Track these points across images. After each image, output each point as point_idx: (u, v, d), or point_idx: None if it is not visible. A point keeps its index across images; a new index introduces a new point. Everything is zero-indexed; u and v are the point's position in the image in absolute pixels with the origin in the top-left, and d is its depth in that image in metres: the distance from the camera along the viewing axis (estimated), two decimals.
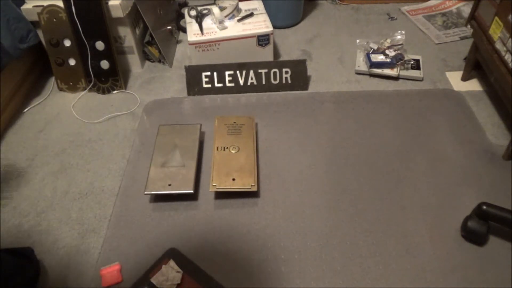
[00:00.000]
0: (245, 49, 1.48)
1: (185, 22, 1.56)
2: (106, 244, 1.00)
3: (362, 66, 1.52)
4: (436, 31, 1.73)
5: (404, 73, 1.48)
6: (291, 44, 1.70)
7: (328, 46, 1.68)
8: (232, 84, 1.44)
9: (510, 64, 1.11)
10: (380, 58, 1.50)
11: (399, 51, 1.51)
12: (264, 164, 1.18)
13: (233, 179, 1.07)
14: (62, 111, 1.40)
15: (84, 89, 1.48)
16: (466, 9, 1.83)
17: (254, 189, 1.06)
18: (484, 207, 0.94)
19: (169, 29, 1.68)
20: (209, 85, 1.44)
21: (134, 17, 1.52)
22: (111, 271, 0.93)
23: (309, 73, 1.47)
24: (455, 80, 1.48)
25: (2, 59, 1.27)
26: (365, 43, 1.57)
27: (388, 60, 1.48)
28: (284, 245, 0.98)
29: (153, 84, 1.53)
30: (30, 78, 1.51)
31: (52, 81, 1.53)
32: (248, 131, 1.21)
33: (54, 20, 1.37)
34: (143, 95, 1.47)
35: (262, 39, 1.48)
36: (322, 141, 1.25)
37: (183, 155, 1.13)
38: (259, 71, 1.43)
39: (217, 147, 1.15)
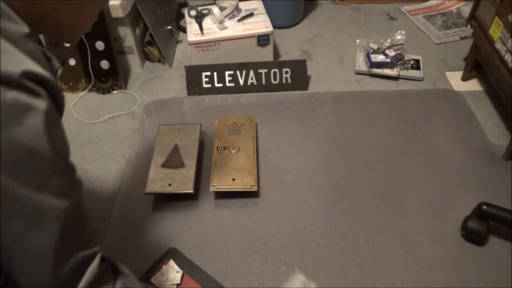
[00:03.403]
0: (245, 49, 1.48)
1: (185, 22, 1.56)
2: (106, 244, 1.00)
3: (362, 66, 1.52)
4: (436, 31, 1.74)
5: (404, 73, 1.48)
6: (291, 44, 1.70)
7: (328, 46, 1.68)
8: (232, 84, 1.44)
9: (510, 64, 1.11)
10: (380, 58, 1.50)
11: (399, 51, 1.51)
12: (264, 164, 1.18)
13: (233, 179, 1.07)
14: None
15: (84, 89, 1.48)
16: (466, 9, 1.83)
17: (254, 189, 1.06)
18: (484, 207, 0.94)
19: (169, 29, 1.68)
20: (209, 85, 1.44)
21: (134, 17, 1.52)
22: None
23: (309, 73, 1.47)
24: (455, 80, 1.48)
25: None
26: (365, 43, 1.57)
27: (388, 60, 1.48)
28: (284, 245, 0.98)
29: (153, 84, 1.53)
30: None
31: None
32: (248, 131, 1.20)
33: None
34: (143, 95, 1.47)
35: (262, 39, 1.48)
36: (322, 141, 1.25)
37: (183, 155, 1.13)
38: (259, 71, 1.43)
39: (217, 147, 1.15)
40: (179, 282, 0.90)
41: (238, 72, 1.43)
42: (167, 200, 1.09)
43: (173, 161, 1.11)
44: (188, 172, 1.09)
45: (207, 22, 1.51)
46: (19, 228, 0.45)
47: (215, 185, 1.06)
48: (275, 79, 1.44)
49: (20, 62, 0.41)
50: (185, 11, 1.57)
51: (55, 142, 0.45)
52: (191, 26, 1.50)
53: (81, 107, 1.43)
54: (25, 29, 0.45)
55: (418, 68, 1.50)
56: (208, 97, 1.44)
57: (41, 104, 0.42)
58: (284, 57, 1.63)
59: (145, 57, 1.63)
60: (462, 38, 1.69)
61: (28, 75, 0.41)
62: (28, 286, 0.50)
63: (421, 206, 1.05)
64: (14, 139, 0.41)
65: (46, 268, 0.48)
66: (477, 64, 1.40)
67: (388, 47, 1.53)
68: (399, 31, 1.58)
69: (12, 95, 0.40)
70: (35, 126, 0.42)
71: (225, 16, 1.50)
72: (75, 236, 0.52)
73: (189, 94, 1.45)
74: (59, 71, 0.50)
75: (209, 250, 0.98)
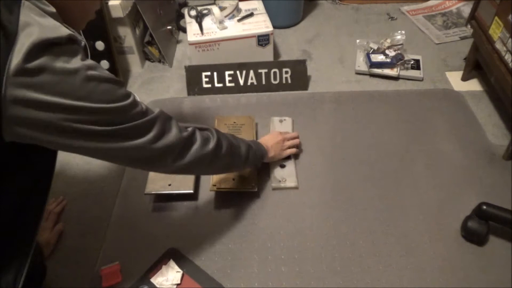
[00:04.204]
0: (245, 49, 1.48)
1: (185, 22, 1.56)
2: (106, 244, 1.00)
3: (362, 66, 1.52)
4: (436, 31, 1.74)
5: (404, 73, 1.48)
6: (291, 44, 1.70)
7: (328, 46, 1.68)
8: (232, 84, 1.44)
9: (510, 64, 1.11)
10: (380, 58, 1.50)
11: (399, 51, 1.51)
12: (264, 163, 1.17)
13: (233, 179, 1.07)
14: None
15: None
16: (466, 9, 1.83)
17: (254, 189, 1.06)
18: (484, 207, 0.94)
19: (169, 29, 1.68)
20: (209, 85, 1.44)
21: (134, 17, 1.52)
22: (111, 271, 0.93)
23: (309, 73, 1.47)
24: (455, 80, 1.48)
25: None
26: (365, 43, 1.57)
27: (388, 60, 1.48)
28: (284, 245, 0.98)
29: (153, 84, 1.53)
30: None
31: None
32: (248, 131, 1.20)
33: None
34: (143, 95, 1.47)
35: (262, 39, 1.48)
36: (322, 141, 1.24)
37: None
38: (259, 71, 1.43)
39: None
40: (179, 282, 0.90)
41: (238, 72, 1.43)
42: (167, 200, 1.09)
43: None
44: None
45: (207, 22, 1.51)
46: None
47: (215, 185, 1.06)
48: (275, 79, 1.44)
49: (64, 30, 0.55)
50: (185, 11, 1.57)
51: (100, 69, 0.59)
52: (191, 26, 1.50)
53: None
54: (53, 9, 0.57)
55: (418, 68, 1.50)
56: (208, 97, 1.44)
57: (80, 49, 0.57)
58: (284, 57, 1.63)
59: (145, 57, 1.63)
60: (462, 38, 1.69)
61: (71, 36, 0.55)
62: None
63: (421, 206, 1.05)
64: (75, 72, 0.54)
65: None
66: (477, 64, 1.40)
67: (388, 47, 1.53)
68: (399, 31, 1.58)
69: (60, 49, 0.54)
70: (82, 61, 0.56)
71: (225, 16, 1.50)
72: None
73: (189, 94, 1.45)
74: (84, 43, 0.60)
75: (209, 250, 0.97)
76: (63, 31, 0.54)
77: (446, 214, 1.03)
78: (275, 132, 1.16)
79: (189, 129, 0.78)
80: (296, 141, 1.17)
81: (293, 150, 1.16)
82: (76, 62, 0.54)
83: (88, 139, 0.59)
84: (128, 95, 0.63)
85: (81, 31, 1.35)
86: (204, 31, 1.47)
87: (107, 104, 0.58)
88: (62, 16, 0.60)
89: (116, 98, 0.60)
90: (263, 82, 1.44)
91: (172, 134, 0.72)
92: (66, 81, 0.53)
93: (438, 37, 1.70)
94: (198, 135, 0.79)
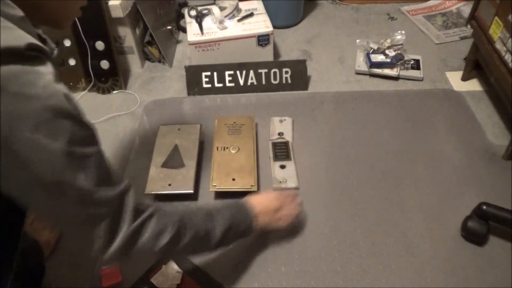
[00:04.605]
0: (245, 49, 1.48)
1: (185, 22, 1.56)
2: None
3: (362, 66, 1.52)
4: (436, 31, 1.74)
5: (404, 73, 1.48)
6: (291, 44, 1.70)
7: (328, 46, 1.68)
8: (232, 84, 1.44)
9: (510, 64, 1.11)
10: (380, 58, 1.50)
11: (399, 51, 1.51)
12: (264, 164, 1.18)
13: (233, 179, 1.07)
14: None
15: (84, 89, 1.48)
16: (466, 9, 1.83)
17: (254, 189, 1.06)
18: (484, 207, 0.94)
19: (169, 29, 1.68)
20: (209, 85, 1.44)
21: (134, 17, 1.52)
22: (111, 271, 0.93)
23: (309, 73, 1.47)
24: (455, 80, 1.48)
25: None
26: (365, 43, 1.57)
27: (388, 60, 1.48)
28: (284, 245, 0.98)
29: (153, 84, 1.53)
30: None
31: None
32: (248, 131, 1.20)
33: None
34: (143, 95, 1.47)
35: (262, 39, 1.48)
36: (322, 141, 1.24)
37: (183, 155, 1.13)
38: (259, 71, 1.43)
39: (217, 147, 1.15)
40: (179, 282, 0.90)
41: (238, 72, 1.43)
42: (167, 200, 1.09)
43: (173, 161, 1.11)
44: (188, 172, 1.09)
45: (207, 22, 1.51)
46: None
47: (215, 185, 1.06)
48: (275, 79, 1.44)
49: (23, 37, 0.46)
50: (185, 11, 1.57)
51: (69, 99, 0.50)
52: (191, 26, 1.50)
53: (81, 107, 1.42)
54: (20, 12, 0.50)
55: (418, 68, 1.50)
56: (208, 97, 1.44)
57: (47, 68, 0.48)
58: (284, 57, 1.63)
59: (145, 57, 1.63)
60: (462, 38, 1.69)
61: (32, 46, 0.46)
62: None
63: (421, 206, 1.05)
64: (31, 99, 0.45)
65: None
66: (477, 64, 1.40)
67: (388, 47, 1.53)
68: (399, 31, 1.58)
69: (18, 66, 0.44)
70: (47, 86, 0.46)
71: (225, 16, 1.50)
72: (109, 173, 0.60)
73: (189, 94, 1.45)
74: (55, 51, 0.54)
75: None
76: (23, 39, 0.45)
77: (446, 214, 1.03)
78: (274, 194, 0.94)
79: (144, 214, 0.63)
80: (295, 209, 0.96)
81: (288, 221, 0.93)
82: (33, 85, 0.45)
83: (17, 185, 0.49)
84: (92, 141, 0.54)
85: (81, 32, 1.35)
86: (204, 31, 1.47)
87: (55, 141, 0.48)
88: (42, 16, 0.55)
89: (72, 139, 0.51)
90: (263, 82, 1.44)
91: (117, 237, 0.59)
92: (17, 105, 0.45)
93: (438, 37, 1.70)
94: (151, 224, 0.63)
